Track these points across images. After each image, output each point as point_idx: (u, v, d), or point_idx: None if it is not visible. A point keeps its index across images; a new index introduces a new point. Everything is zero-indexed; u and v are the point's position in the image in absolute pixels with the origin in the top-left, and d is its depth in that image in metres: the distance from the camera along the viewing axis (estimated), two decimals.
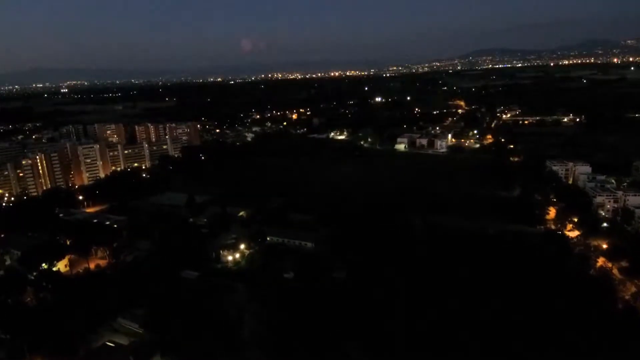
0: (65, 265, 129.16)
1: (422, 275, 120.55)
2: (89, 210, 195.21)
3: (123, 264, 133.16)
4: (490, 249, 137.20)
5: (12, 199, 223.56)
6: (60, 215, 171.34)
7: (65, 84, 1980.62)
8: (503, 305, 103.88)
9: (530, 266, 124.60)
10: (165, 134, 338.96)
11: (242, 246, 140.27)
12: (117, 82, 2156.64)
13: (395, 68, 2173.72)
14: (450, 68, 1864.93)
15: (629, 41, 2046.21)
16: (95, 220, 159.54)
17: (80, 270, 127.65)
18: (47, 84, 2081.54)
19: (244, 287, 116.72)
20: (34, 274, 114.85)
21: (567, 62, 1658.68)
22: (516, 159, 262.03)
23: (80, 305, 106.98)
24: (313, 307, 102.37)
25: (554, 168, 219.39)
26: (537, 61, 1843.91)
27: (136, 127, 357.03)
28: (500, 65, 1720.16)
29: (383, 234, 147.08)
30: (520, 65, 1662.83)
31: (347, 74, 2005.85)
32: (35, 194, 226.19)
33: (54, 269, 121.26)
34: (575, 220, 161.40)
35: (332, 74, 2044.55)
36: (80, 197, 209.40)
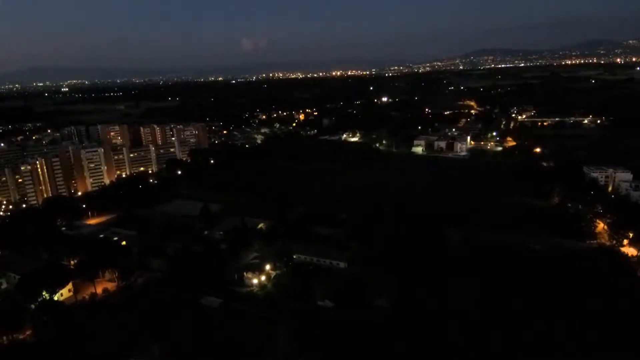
0: (69, 290, 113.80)
1: (474, 303, 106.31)
2: (93, 220, 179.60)
3: (134, 288, 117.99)
4: (542, 269, 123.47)
5: (10, 207, 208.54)
6: (63, 228, 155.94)
7: (66, 83, 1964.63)
8: (568, 339, 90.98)
9: (592, 291, 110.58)
10: (172, 136, 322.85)
11: (268, 267, 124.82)
12: (118, 81, 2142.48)
13: (396, 68, 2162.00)
14: (453, 68, 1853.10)
15: (630, 41, 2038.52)
16: (101, 236, 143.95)
17: (86, 296, 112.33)
18: (48, 82, 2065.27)
19: (275, 318, 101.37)
20: (34, 304, 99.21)
21: (569, 62, 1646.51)
22: (545, 164, 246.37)
23: (86, 341, 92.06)
24: (365, 352, 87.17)
25: (593, 175, 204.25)
26: (540, 61, 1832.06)
27: (141, 128, 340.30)
28: (503, 65, 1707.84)
29: (421, 252, 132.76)
30: (522, 65, 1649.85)
31: (349, 73, 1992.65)
32: (34, 202, 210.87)
33: (56, 297, 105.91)
34: (631, 235, 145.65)
35: (334, 73, 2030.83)
36: (84, 206, 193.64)
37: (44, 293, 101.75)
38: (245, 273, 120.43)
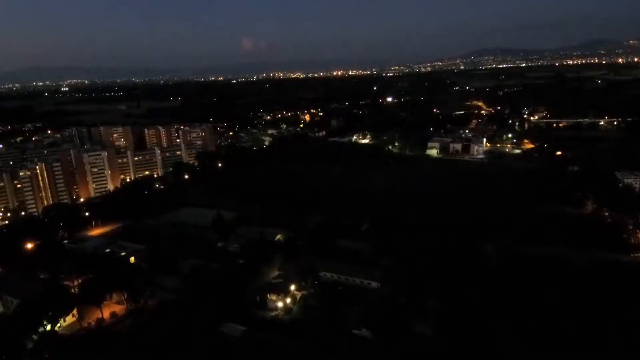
0: (73, 315, 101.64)
1: (527, 330, 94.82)
2: (97, 231, 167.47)
3: (145, 312, 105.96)
4: (590, 288, 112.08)
5: (9, 214, 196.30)
6: (65, 241, 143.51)
7: (66, 83, 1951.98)
8: None
9: None
10: (177, 138, 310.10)
11: (293, 287, 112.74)
12: (118, 80, 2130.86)
13: (397, 68, 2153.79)
14: (454, 68, 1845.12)
15: (631, 41, 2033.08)
16: (107, 250, 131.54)
17: (92, 322, 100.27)
18: (48, 82, 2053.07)
19: (307, 351, 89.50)
20: (34, 334, 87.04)
21: (571, 62, 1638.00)
22: (570, 168, 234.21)
23: None
24: None
25: (627, 181, 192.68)
26: (541, 61, 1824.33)
27: (145, 130, 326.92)
28: (504, 65, 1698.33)
29: (460, 270, 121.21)
30: (524, 65, 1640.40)
31: (350, 73, 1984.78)
32: (34, 209, 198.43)
33: (59, 325, 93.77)
34: None
35: (335, 73, 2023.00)
36: (87, 214, 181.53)
37: (44, 322, 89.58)
38: (268, 295, 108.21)
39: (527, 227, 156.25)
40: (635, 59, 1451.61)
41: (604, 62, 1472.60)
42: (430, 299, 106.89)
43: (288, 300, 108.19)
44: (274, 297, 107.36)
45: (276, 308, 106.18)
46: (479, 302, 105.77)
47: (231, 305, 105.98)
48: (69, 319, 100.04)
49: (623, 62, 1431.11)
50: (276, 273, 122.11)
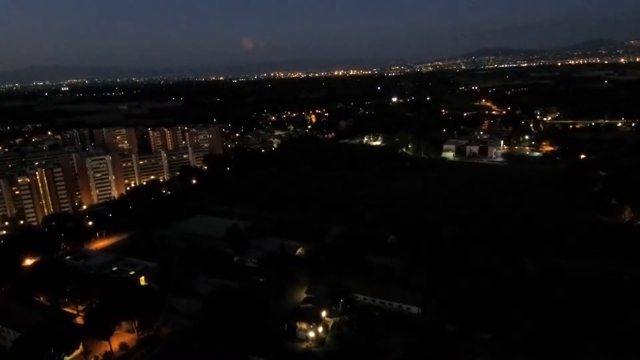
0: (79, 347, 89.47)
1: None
2: (102, 243, 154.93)
3: (158, 341, 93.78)
4: None
5: (6, 222, 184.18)
6: (67, 257, 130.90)
7: (66, 82, 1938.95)
8: None
9: None
10: (184, 140, 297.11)
11: (324, 313, 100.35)
12: (118, 80, 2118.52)
13: (398, 67, 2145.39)
14: (455, 68, 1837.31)
15: (632, 41, 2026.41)
16: (114, 269, 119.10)
17: (100, 356, 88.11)
18: (47, 82, 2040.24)
19: None
20: None
21: (572, 62, 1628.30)
22: (599, 173, 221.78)
23: None
24: None
25: None
26: (542, 61, 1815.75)
27: (150, 131, 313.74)
28: (505, 65, 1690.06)
29: (506, 291, 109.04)
30: (525, 65, 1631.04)
31: (351, 73, 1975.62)
32: (33, 217, 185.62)
33: None
34: None
35: (336, 73, 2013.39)
36: (90, 223, 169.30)
37: None
38: (298, 323, 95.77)
39: (568, 238, 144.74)
40: (637, 59, 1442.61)
41: (605, 62, 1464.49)
42: (478, 327, 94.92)
43: (320, 329, 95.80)
44: (304, 326, 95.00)
45: (307, 339, 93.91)
46: (534, 333, 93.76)
47: (256, 333, 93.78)
48: (74, 352, 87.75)
49: (625, 62, 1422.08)
50: (304, 295, 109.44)
